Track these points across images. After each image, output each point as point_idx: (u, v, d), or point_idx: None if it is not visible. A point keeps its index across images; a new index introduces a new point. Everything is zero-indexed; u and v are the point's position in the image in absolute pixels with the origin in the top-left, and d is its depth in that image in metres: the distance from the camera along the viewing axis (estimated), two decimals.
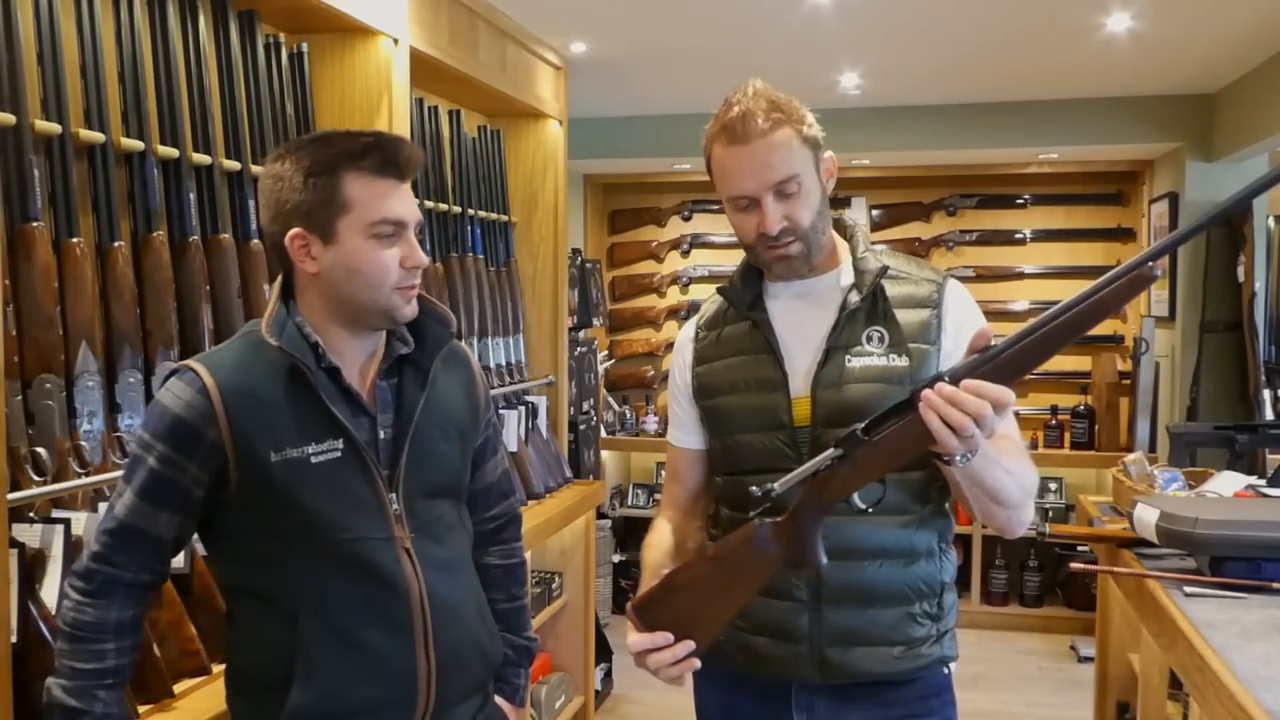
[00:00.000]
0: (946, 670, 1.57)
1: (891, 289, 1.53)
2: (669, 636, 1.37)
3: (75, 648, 1.37)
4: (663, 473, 5.89)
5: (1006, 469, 1.38)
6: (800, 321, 1.55)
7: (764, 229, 1.47)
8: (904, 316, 1.52)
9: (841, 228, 1.62)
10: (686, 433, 1.65)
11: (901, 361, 1.49)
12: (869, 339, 1.51)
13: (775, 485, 1.34)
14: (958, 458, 1.29)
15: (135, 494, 1.39)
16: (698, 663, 1.38)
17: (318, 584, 1.40)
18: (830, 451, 1.33)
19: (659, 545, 1.60)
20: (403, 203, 1.42)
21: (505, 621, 1.67)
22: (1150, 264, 1.21)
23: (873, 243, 1.61)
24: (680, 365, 1.66)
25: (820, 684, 1.51)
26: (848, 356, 1.50)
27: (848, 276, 1.56)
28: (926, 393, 1.26)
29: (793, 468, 1.36)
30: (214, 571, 1.54)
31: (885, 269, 1.53)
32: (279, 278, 1.48)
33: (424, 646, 1.44)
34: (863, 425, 1.32)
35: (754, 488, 1.35)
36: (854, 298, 1.52)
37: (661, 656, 1.37)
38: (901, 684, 1.52)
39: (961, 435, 1.24)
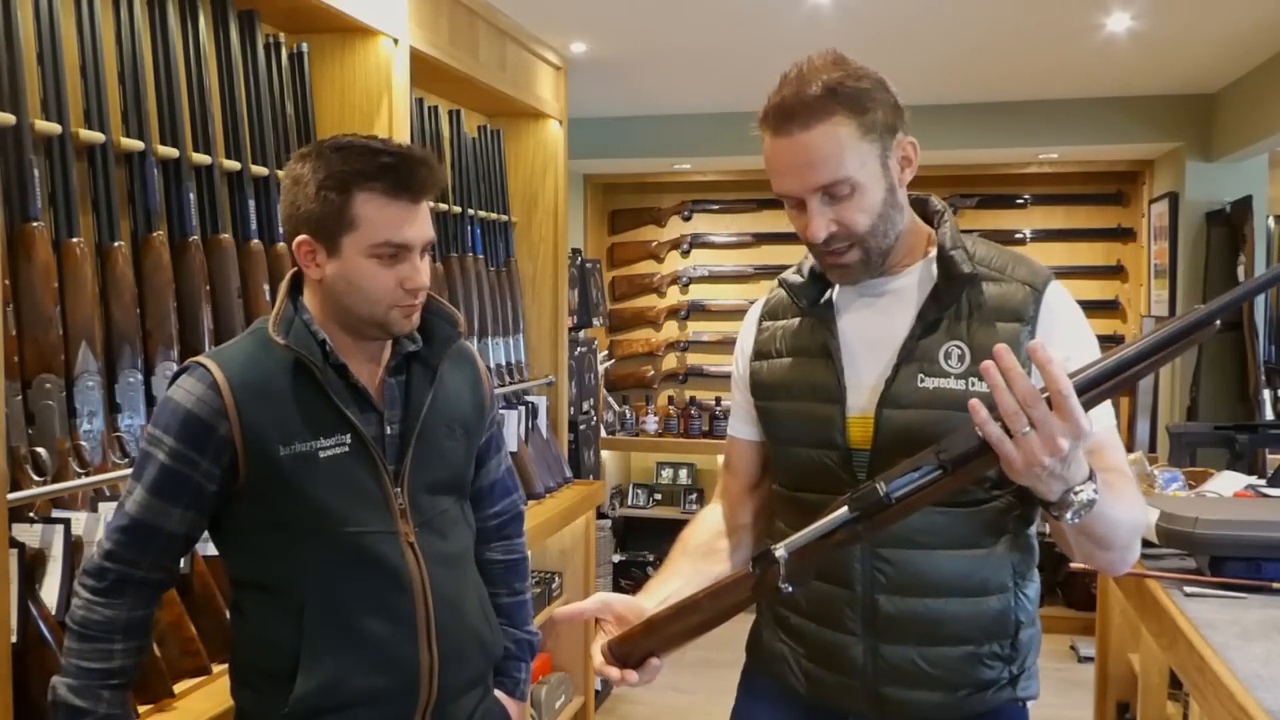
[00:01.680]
0: (1023, 706, 1.40)
1: (981, 292, 1.31)
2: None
3: (83, 646, 1.38)
4: (663, 473, 5.85)
5: (1117, 516, 1.19)
6: (872, 325, 1.35)
7: (809, 235, 1.28)
8: (990, 330, 1.29)
9: (927, 213, 1.39)
10: (743, 423, 1.51)
11: (981, 386, 1.23)
12: (948, 356, 1.29)
13: (781, 549, 1.17)
14: (1068, 514, 1.12)
15: (146, 490, 1.39)
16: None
17: (324, 576, 1.42)
18: (843, 511, 1.16)
19: (692, 540, 1.48)
20: (411, 226, 1.41)
21: (507, 616, 1.69)
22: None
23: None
24: (741, 353, 1.49)
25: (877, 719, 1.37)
26: (921, 375, 1.29)
27: (933, 274, 1.33)
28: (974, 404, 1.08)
29: (847, 491, 1.18)
30: (222, 564, 1.54)
31: (975, 274, 1.31)
32: (289, 274, 1.50)
33: (426, 639, 1.46)
34: (885, 486, 1.13)
35: (767, 548, 1.18)
36: (936, 303, 1.30)
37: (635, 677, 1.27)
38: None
39: (1032, 460, 1.06)
